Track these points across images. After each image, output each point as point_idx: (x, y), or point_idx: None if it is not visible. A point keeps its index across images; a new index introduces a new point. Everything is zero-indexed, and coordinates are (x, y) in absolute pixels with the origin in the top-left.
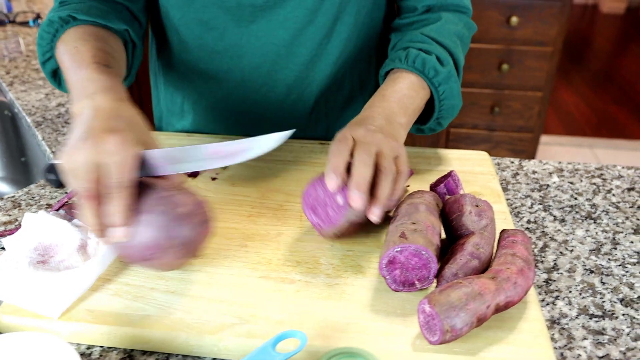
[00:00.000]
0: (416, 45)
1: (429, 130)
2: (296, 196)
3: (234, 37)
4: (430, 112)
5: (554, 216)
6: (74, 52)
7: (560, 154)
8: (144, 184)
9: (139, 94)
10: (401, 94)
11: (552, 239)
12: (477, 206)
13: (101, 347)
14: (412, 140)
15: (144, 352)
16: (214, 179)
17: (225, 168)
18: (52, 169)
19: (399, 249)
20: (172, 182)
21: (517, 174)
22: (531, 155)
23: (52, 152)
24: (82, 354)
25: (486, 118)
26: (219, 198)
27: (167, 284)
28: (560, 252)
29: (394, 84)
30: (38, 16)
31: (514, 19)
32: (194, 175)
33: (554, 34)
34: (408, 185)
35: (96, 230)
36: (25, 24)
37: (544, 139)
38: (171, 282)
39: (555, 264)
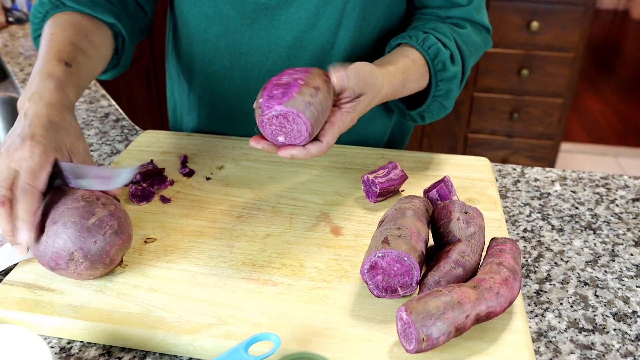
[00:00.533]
0: (437, 35)
1: (408, 117)
2: (289, 198)
3: (236, 34)
4: (419, 101)
5: (552, 225)
6: (48, 39)
7: (583, 162)
8: (64, 193)
9: (156, 84)
10: (406, 77)
11: (547, 248)
12: (465, 213)
13: (81, 342)
14: (429, 143)
15: (123, 349)
16: (208, 178)
17: (221, 168)
18: None
19: (380, 255)
20: (95, 192)
21: (518, 181)
22: (551, 162)
23: None
24: (62, 348)
25: (505, 124)
26: (212, 198)
27: (150, 282)
28: (555, 263)
29: (407, 59)
30: None
31: (535, 24)
32: (189, 174)
33: (576, 39)
34: (402, 190)
35: (7, 234)
36: None
37: (566, 146)
38: (155, 280)
39: (548, 274)
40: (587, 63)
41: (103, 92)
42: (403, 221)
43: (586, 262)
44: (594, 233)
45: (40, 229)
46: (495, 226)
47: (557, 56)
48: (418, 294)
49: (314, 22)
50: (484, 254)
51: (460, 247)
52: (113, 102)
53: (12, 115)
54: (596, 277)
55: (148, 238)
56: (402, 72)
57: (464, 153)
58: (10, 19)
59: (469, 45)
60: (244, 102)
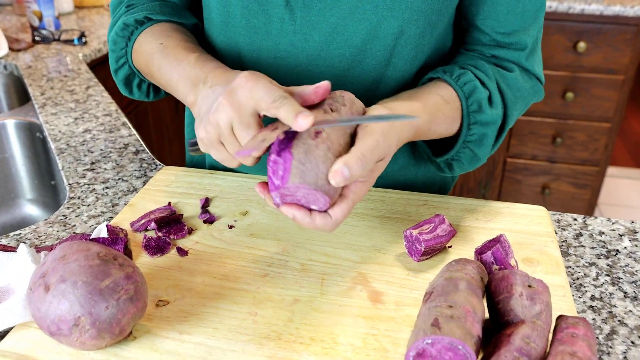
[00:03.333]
0: (476, 72)
1: (435, 165)
2: (320, 254)
3: (269, 68)
4: (448, 146)
5: (624, 292)
6: (162, 49)
7: (627, 187)
8: (79, 248)
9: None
10: (434, 119)
11: (621, 322)
12: (529, 287)
13: None
14: None
15: None
16: (231, 227)
17: (245, 214)
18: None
19: (429, 341)
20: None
21: (580, 234)
22: (596, 190)
23: (69, 184)
24: None
25: (547, 149)
26: (234, 251)
27: (160, 358)
28: (632, 342)
29: (438, 97)
30: (82, 34)
31: (582, 45)
32: (209, 221)
33: (627, 61)
34: (450, 246)
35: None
36: (70, 42)
37: (611, 170)
38: (164, 355)
39: (625, 357)
40: (635, 83)
41: (124, 119)
42: (455, 296)
43: None
44: None
45: (46, 287)
46: (560, 295)
47: (605, 79)
48: None
49: (359, 60)
50: (550, 335)
51: (524, 331)
52: (134, 132)
53: (31, 141)
54: None
55: (160, 300)
56: (429, 112)
57: (502, 178)
58: (37, 38)
59: (514, 91)
60: None
